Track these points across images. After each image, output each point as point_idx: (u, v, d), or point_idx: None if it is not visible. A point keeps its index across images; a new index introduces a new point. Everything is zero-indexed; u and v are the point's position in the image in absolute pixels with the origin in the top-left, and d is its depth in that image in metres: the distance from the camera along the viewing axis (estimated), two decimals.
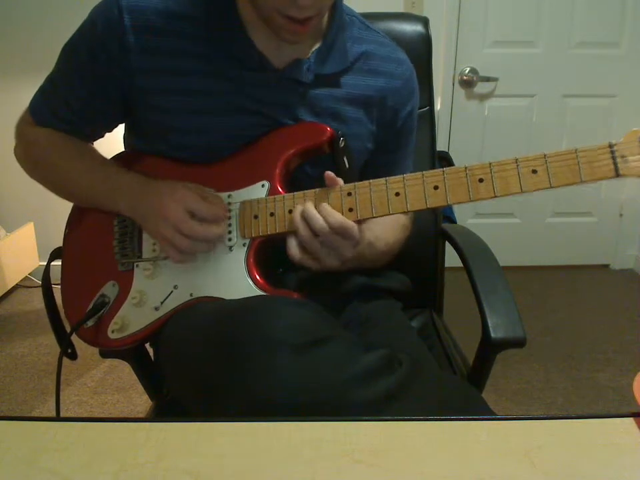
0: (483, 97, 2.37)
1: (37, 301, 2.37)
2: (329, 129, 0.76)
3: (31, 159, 0.85)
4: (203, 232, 0.72)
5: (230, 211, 0.76)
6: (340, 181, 0.72)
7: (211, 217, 0.73)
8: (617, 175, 0.62)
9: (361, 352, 0.62)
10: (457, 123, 2.40)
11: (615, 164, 0.62)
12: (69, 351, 0.84)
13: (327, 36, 0.78)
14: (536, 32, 2.28)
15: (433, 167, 1.12)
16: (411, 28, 1.09)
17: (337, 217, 0.69)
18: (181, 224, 0.71)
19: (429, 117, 1.13)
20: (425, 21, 1.10)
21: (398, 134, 0.88)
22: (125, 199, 0.77)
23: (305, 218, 0.70)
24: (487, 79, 2.31)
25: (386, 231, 0.86)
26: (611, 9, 2.26)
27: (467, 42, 2.28)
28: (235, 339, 0.60)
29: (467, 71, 2.30)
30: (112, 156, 0.86)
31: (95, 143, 0.88)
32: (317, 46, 0.78)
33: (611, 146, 0.62)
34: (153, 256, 0.78)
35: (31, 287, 2.46)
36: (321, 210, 0.70)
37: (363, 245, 0.76)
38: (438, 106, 2.33)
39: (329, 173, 0.72)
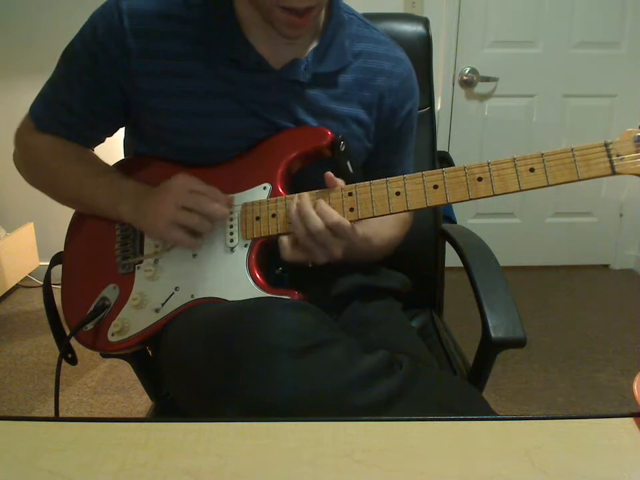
0: (482, 97, 2.37)
1: (36, 301, 2.37)
2: (329, 132, 0.76)
3: (32, 165, 0.85)
4: (205, 204, 0.72)
5: (232, 212, 0.76)
6: (340, 181, 0.72)
7: (212, 194, 0.73)
8: (613, 172, 0.63)
9: (361, 355, 0.62)
10: (457, 123, 2.40)
11: (611, 162, 0.63)
12: (69, 356, 0.84)
13: (324, 35, 0.78)
14: (536, 32, 2.28)
15: (433, 167, 1.12)
16: (411, 28, 1.09)
17: (334, 217, 0.69)
18: (183, 197, 0.72)
19: (429, 117, 1.13)
20: (425, 22, 1.10)
21: (397, 134, 0.87)
22: (128, 201, 0.77)
23: (302, 217, 0.70)
24: (487, 79, 2.31)
25: (384, 227, 0.86)
26: (611, 9, 2.26)
27: (467, 42, 2.28)
28: (233, 344, 0.60)
29: (467, 71, 2.30)
30: (113, 164, 0.86)
31: (95, 149, 0.88)
32: (314, 45, 0.78)
33: (606, 144, 0.63)
34: (154, 251, 0.78)
35: (31, 287, 2.46)
36: (319, 210, 0.69)
37: (358, 241, 0.76)
38: (438, 106, 2.33)
39: (329, 174, 0.72)
